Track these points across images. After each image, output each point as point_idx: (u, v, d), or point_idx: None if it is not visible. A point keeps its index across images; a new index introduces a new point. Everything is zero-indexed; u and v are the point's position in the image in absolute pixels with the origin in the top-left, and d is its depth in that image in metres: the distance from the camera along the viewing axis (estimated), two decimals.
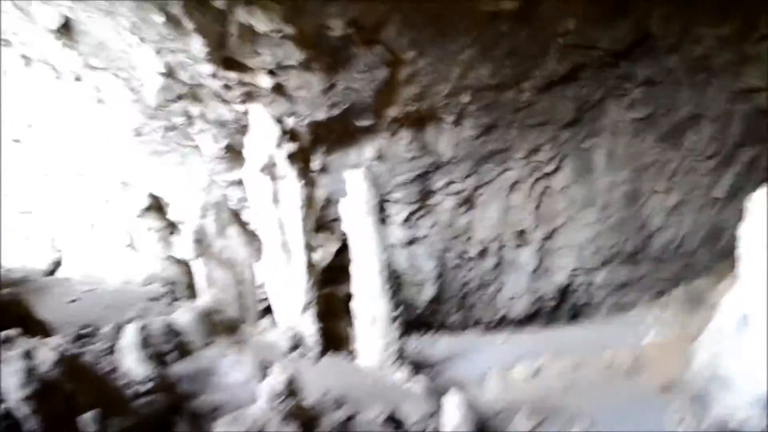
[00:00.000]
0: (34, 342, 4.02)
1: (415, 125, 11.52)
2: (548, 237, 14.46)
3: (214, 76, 8.57)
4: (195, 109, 9.55)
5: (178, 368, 6.63)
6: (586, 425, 7.46)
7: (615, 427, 7.44)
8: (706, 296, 10.79)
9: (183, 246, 10.26)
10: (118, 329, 6.41)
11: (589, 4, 9.14)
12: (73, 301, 9.11)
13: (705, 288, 11.10)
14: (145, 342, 5.72)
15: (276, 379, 5.30)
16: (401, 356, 8.62)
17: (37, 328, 6.03)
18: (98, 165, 11.46)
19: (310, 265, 8.74)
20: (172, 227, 11.62)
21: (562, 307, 15.92)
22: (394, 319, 8.50)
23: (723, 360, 5.93)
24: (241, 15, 7.57)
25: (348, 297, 8.91)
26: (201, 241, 9.18)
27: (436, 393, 7.48)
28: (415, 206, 13.86)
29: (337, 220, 11.59)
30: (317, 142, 11.01)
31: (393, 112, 10.70)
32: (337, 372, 7.75)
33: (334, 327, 9.36)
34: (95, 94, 9.24)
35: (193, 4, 7.25)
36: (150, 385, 5.38)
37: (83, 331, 6.74)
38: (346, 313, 9.14)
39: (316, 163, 11.46)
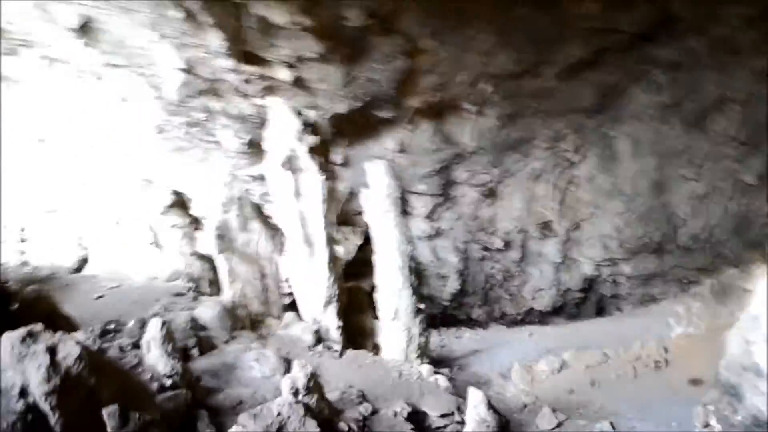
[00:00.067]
0: (58, 337, 4.03)
1: (437, 116, 11.43)
2: (574, 228, 14.28)
3: (233, 70, 8.57)
4: (216, 105, 9.57)
5: (202, 363, 6.68)
6: (613, 420, 7.31)
7: (644, 421, 7.31)
8: (736, 287, 10.52)
9: (206, 241, 10.34)
10: (143, 324, 6.46)
11: None
12: (99, 297, 9.23)
13: (735, 279, 10.82)
14: (169, 337, 5.74)
15: (298, 373, 5.27)
16: (425, 350, 8.57)
17: (63, 324, 6.11)
18: (122, 163, 11.57)
19: (333, 259, 8.72)
20: (195, 223, 11.72)
21: (588, 300, 15.73)
22: (417, 312, 8.45)
23: (758, 349, 5.76)
24: (259, 8, 7.55)
25: (372, 291, 8.89)
26: (224, 237, 9.22)
27: (460, 388, 7.41)
28: (439, 199, 13.78)
29: (360, 213, 11.57)
30: (339, 135, 10.97)
31: (414, 102, 10.63)
32: (361, 366, 7.72)
33: (358, 321, 9.36)
34: (117, 92, 9.31)
35: None
36: (173, 379, 5.41)
37: (108, 327, 6.81)
38: (370, 307, 9.13)
39: (338, 157, 11.44)
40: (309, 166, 8.81)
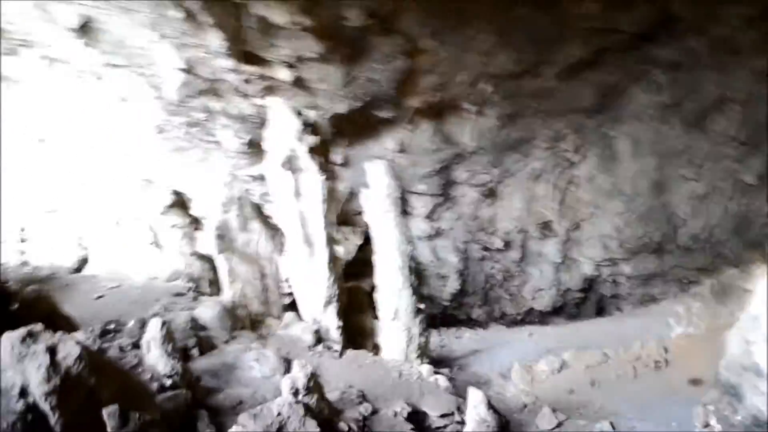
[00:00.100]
0: (58, 337, 4.04)
1: (437, 116, 11.43)
2: (574, 228, 14.28)
3: (233, 70, 8.57)
4: (216, 105, 9.57)
5: (202, 363, 6.68)
6: (613, 420, 7.31)
7: (644, 421, 7.30)
8: (736, 287, 10.52)
9: (206, 241, 10.33)
10: (143, 324, 6.46)
11: None
12: (99, 297, 9.23)
13: (735, 279, 10.82)
14: (169, 337, 5.74)
15: (298, 373, 5.28)
16: (425, 350, 8.57)
17: (63, 324, 6.10)
18: (122, 163, 11.57)
19: (333, 259, 8.72)
20: (195, 223, 11.72)
21: (588, 300, 15.74)
22: (417, 312, 8.45)
23: (759, 349, 5.76)
24: (259, 8, 7.55)
25: (372, 291, 8.89)
26: (224, 237, 9.22)
27: (460, 388, 7.41)
28: (439, 199, 13.78)
29: (360, 213, 11.57)
30: (339, 135, 10.98)
31: (414, 102, 10.63)
32: (361, 366, 7.72)
33: (358, 321, 9.36)
34: (117, 92, 9.31)
35: None
36: (173, 379, 5.41)
37: (108, 327, 6.81)
38: (370, 307, 9.12)
39: (338, 157, 11.44)
40: (309, 166, 8.81)
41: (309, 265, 8.67)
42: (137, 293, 9.45)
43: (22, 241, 12.21)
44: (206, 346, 7.09)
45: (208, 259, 11.01)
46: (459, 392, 7.21)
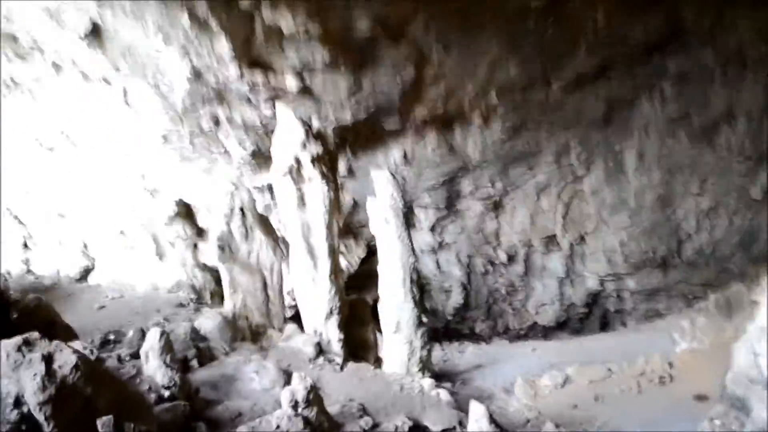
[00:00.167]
0: (54, 346, 4.00)
1: (443, 127, 11.42)
2: (578, 242, 14.21)
3: (240, 78, 8.58)
4: (222, 113, 9.59)
5: (202, 374, 6.62)
6: None
7: None
8: (741, 302, 10.42)
9: (209, 252, 10.31)
10: (142, 335, 6.42)
11: None
12: (101, 307, 9.21)
13: (740, 294, 10.72)
14: (169, 347, 5.70)
15: (298, 386, 5.22)
16: (427, 363, 8.49)
17: (62, 333, 6.06)
18: (128, 172, 11.59)
19: (337, 271, 8.66)
20: (199, 234, 11.70)
21: (592, 315, 15.64)
22: (420, 325, 8.37)
23: (766, 361, 5.68)
24: (267, 15, 7.57)
25: (376, 304, 8.82)
26: (226, 247, 9.18)
27: (463, 402, 7.33)
28: (443, 212, 13.75)
29: (365, 225, 11.53)
30: (344, 145, 10.97)
31: (420, 113, 10.62)
32: (362, 379, 7.64)
33: (361, 334, 9.28)
34: (124, 99, 9.33)
35: (218, 6, 7.27)
36: (172, 390, 5.36)
37: (108, 337, 6.78)
38: (373, 319, 9.06)
39: (342, 167, 11.43)
40: (313, 176, 8.78)
41: (311, 276, 8.62)
42: (139, 303, 9.45)
43: (26, 249, 12.22)
44: (206, 357, 7.04)
45: (211, 270, 10.99)
46: (461, 406, 7.11)
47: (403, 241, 8.46)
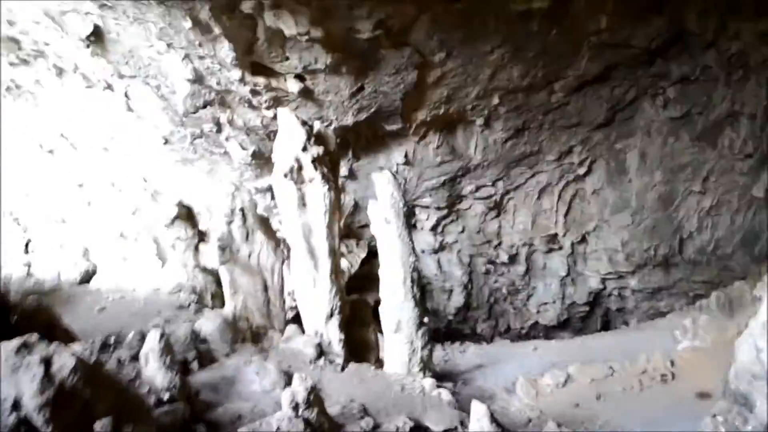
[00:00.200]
0: (53, 348, 3.98)
1: (444, 129, 11.43)
2: (580, 241, 14.21)
3: (242, 81, 8.59)
4: (223, 116, 9.60)
5: (202, 376, 6.61)
6: None
7: None
8: (743, 300, 10.41)
9: (210, 254, 10.30)
10: (142, 337, 6.40)
11: (622, 0, 8.94)
12: (102, 309, 9.21)
13: (742, 292, 10.71)
14: (168, 349, 5.68)
15: (298, 387, 5.20)
16: (428, 364, 8.47)
17: (62, 336, 6.07)
18: (129, 175, 11.61)
19: (337, 272, 8.65)
20: (200, 236, 11.70)
21: (593, 314, 15.63)
22: (421, 325, 8.36)
23: None
24: (269, 19, 7.56)
25: (377, 305, 8.81)
26: (227, 248, 9.18)
27: (464, 402, 7.31)
28: (444, 212, 13.76)
29: (366, 226, 11.52)
30: (345, 147, 10.97)
31: (422, 115, 10.62)
32: (363, 380, 7.63)
33: (361, 334, 9.26)
34: (125, 102, 9.35)
35: (220, 9, 7.27)
36: (171, 393, 5.34)
37: (108, 340, 6.76)
38: (374, 320, 9.05)
39: (343, 168, 11.44)
40: (314, 177, 8.76)
41: (312, 277, 8.61)
42: (139, 306, 9.44)
43: (27, 252, 12.22)
44: (206, 359, 7.03)
45: (212, 272, 10.97)
46: (463, 407, 7.10)
47: (404, 241, 8.44)
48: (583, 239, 14.22)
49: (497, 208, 14.02)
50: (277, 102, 9.20)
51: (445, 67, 9.41)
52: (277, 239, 9.91)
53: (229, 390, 6.43)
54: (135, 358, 6.06)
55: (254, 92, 8.96)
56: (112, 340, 6.74)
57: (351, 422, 5.99)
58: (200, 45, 7.80)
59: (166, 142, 10.34)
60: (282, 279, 9.58)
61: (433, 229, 14.22)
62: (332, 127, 9.95)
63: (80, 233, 12.10)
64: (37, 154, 11.15)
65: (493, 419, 5.99)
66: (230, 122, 9.80)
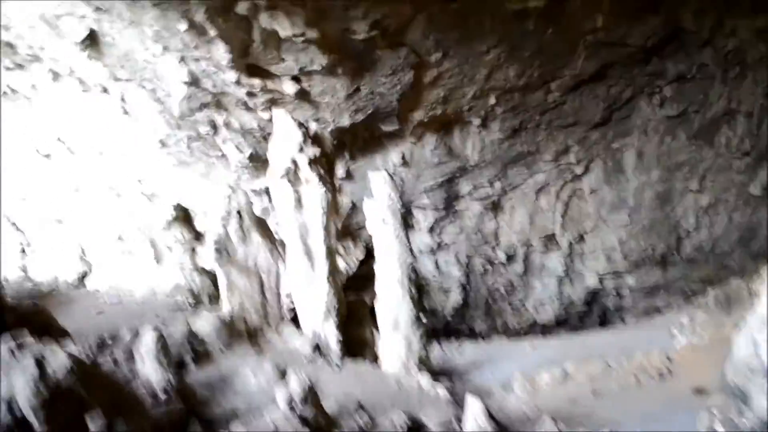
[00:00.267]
0: (48, 349, 4.01)
1: (441, 129, 11.42)
2: (577, 241, 14.22)
3: (238, 83, 8.57)
4: (219, 118, 9.59)
5: (198, 375, 6.64)
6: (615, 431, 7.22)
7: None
8: (741, 298, 10.41)
9: (207, 255, 10.33)
10: (139, 337, 6.43)
11: None
12: (99, 312, 9.23)
13: (740, 290, 10.71)
14: (165, 349, 5.71)
15: (294, 385, 5.23)
16: (425, 361, 8.50)
17: (59, 338, 6.08)
18: (126, 177, 11.62)
19: (334, 272, 8.69)
20: (197, 238, 11.72)
21: (591, 312, 15.64)
22: (418, 323, 8.39)
23: (766, 350, 5.67)
24: (264, 20, 7.54)
25: (373, 304, 8.85)
26: (224, 249, 9.21)
27: (461, 399, 7.33)
28: (442, 212, 13.77)
29: (363, 227, 11.54)
30: (342, 148, 10.97)
31: (418, 116, 10.61)
32: (359, 378, 7.66)
33: (359, 333, 9.30)
34: (121, 105, 9.35)
35: (216, 11, 7.26)
36: (167, 391, 5.37)
37: (104, 339, 6.79)
38: (371, 320, 9.08)
39: (340, 169, 11.43)
40: (310, 178, 8.80)
41: (309, 277, 8.65)
42: (137, 308, 9.46)
43: (24, 255, 12.24)
44: (203, 358, 7.07)
45: (209, 274, 11.00)
46: (459, 403, 7.13)
47: (401, 241, 8.48)
48: (581, 238, 14.23)
49: (495, 208, 14.03)
50: (273, 104, 9.21)
51: (441, 67, 9.41)
52: (274, 240, 9.94)
53: (225, 388, 6.46)
54: (131, 357, 6.09)
55: (250, 94, 8.95)
56: (108, 340, 6.77)
57: (348, 419, 6.02)
58: (196, 47, 7.79)
59: (163, 145, 10.34)
60: (278, 279, 9.60)
61: (431, 229, 14.23)
62: (329, 128, 9.95)
63: (77, 236, 12.12)
64: (33, 158, 11.15)
65: (490, 415, 6.02)
66: (226, 124, 9.79)
